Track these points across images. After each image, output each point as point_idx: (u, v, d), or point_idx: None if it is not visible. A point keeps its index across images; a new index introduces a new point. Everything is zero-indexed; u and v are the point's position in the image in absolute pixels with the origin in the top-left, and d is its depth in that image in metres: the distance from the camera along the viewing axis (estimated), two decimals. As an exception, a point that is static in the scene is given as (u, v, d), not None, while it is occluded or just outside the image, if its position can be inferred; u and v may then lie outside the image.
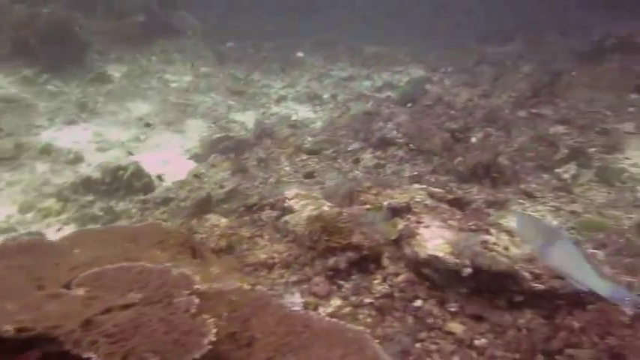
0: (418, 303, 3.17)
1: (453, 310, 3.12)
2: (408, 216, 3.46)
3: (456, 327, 2.94)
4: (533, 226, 2.43)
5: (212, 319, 2.16)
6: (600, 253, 4.05)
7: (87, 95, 9.84)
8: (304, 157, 7.44)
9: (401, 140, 7.33)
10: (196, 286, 2.51)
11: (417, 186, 4.61)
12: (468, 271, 3.01)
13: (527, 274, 3.19)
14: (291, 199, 4.07)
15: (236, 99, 11.48)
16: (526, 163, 6.88)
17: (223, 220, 4.15)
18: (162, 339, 1.95)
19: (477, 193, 6.20)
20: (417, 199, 3.89)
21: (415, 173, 6.25)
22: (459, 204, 4.48)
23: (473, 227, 3.69)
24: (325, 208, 3.79)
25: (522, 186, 6.15)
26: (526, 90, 9.35)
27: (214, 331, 2.08)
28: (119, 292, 2.25)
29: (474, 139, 6.86)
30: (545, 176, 6.64)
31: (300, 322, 2.50)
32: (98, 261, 2.91)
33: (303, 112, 11.19)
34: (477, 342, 2.85)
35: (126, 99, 10.25)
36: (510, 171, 6.52)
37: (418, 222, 3.37)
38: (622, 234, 4.57)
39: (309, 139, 7.98)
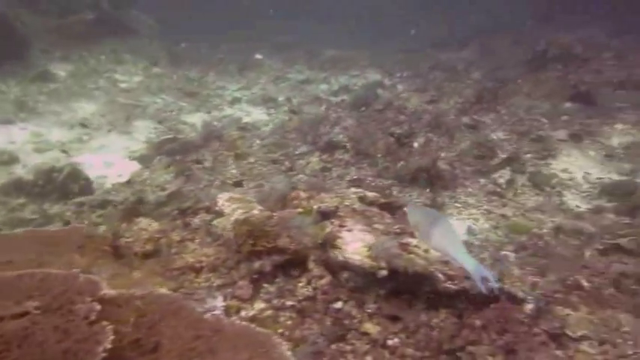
0: (339, 305, 3.25)
1: (370, 311, 3.21)
2: (332, 220, 3.54)
3: (372, 328, 3.03)
4: (420, 214, 2.60)
5: (112, 326, 2.14)
6: (512, 255, 4.28)
7: (27, 94, 9.43)
8: (252, 160, 7.45)
9: (347, 144, 7.46)
10: (104, 292, 2.48)
11: (352, 190, 4.71)
12: (383, 273, 3.11)
13: (441, 276, 3.34)
14: (224, 202, 4.07)
15: (188, 100, 11.31)
16: (465, 168, 7.15)
17: (154, 224, 4.09)
18: (52, 348, 1.91)
19: (416, 197, 6.41)
20: (347, 203, 3.98)
21: (355, 177, 6.36)
22: (389, 208, 4.61)
23: (397, 230, 3.81)
24: (255, 211, 3.81)
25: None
26: (471, 96, 9.72)
27: (111, 338, 2.06)
28: (15, 300, 2.19)
29: (416, 144, 7.05)
30: (482, 181, 6.91)
31: (210, 326, 2.52)
32: (6, 267, 2.82)
33: (256, 114, 11.14)
34: (389, 342, 2.95)
35: (71, 99, 9.88)
36: (450, 175, 6.76)
37: (341, 225, 3.45)
38: (542, 237, 4.84)
39: (258, 141, 8.00)
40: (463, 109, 9.54)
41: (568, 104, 8.94)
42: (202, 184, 6.81)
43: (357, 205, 3.95)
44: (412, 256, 3.38)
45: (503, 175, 6.93)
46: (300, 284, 3.42)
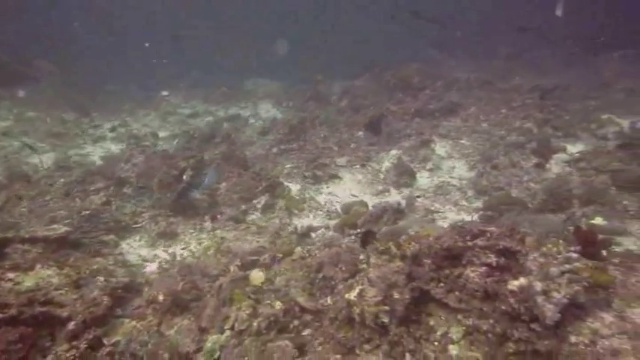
0: None
1: None
2: None
3: None
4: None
5: None
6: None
7: None
8: (47, 197, 7.94)
9: (133, 179, 8.03)
10: None
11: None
12: None
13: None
14: None
15: (50, 141, 11.80)
16: (233, 196, 7.74)
17: None
18: None
19: (166, 225, 6.94)
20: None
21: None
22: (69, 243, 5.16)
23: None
24: None
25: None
26: (288, 128, 10.40)
27: None
28: None
29: (184, 177, 7.62)
30: (244, 206, 7.50)
31: None
32: None
33: (113, 150, 11.68)
34: None
35: None
36: (207, 204, 7.36)
37: None
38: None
39: (62, 180, 8.50)
40: (280, 140, 10.23)
41: (360, 132, 9.67)
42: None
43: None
44: None
45: (260, 201, 7.54)
46: None
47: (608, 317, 2.71)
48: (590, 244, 3.25)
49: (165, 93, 18.95)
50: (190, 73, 21.84)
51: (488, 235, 3.74)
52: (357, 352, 3.78)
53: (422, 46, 21.23)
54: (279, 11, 33.84)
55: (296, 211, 7.28)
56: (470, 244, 3.74)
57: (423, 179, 7.93)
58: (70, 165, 9.43)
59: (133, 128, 13.84)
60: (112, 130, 12.31)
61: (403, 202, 6.80)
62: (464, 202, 6.96)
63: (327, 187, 8.11)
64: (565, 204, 5.66)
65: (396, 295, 3.72)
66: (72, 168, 9.31)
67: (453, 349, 3.45)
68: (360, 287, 3.93)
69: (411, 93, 12.40)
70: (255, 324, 3.81)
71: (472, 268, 3.64)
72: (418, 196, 6.95)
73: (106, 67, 21.94)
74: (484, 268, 3.57)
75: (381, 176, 8.23)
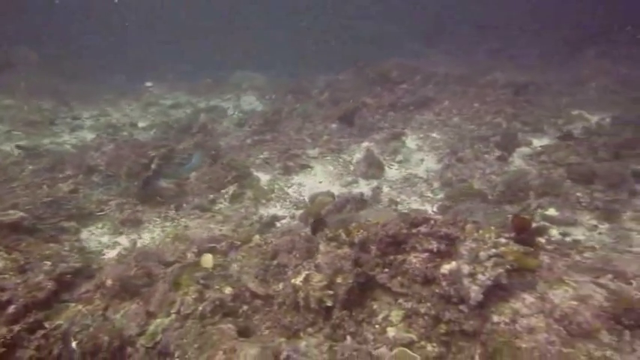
0: None
1: None
2: None
3: None
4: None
5: None
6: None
7: None
8: (15, 184, 7.85)
9: (102, 167, 7.97)
10: None
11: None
12: None
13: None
14: None
15: (25, 129, 11.63)
16: (201, 185, 7.73)
17: None
18: None
19: (131, 213, 6.91)
20: None
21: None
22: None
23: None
24: None
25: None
26: (261, 120, 10.39)
27: None
28: None
29: (153, 166, 7.58)
30: (212, 196, 7.50)
31: None
32: None
33: (89, 139, 11.55)
34: None
35: None
36: (172, 192, 7.35)
37: None
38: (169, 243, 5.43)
39: (30, 167, 8.40)
40: (255, 131, 10.21)
41: (334, 125, 9.68)
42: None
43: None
44: None
45: (228, 191, 7.53)
46: None
47: (529, 298, 2.77)
48: (524, 232, 3.31)
49: (149, 84, 18.72)
50: (181, 67, 21.57)
51: (432, 222, 3.80)
52: (302, 335, 3.82)
53: (422, 45, 21.23)
54: (279, 12, 33.63)
55: (264, 201, 7.29)
56: (414, 231, 3.79)
57: (392, 171, 7.98)
58: (41, 152, 9.29)
59: (113, 118, 13.69)
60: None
61: (368, 193, 6.85)
62: (429, 194, 7.02)
63: (297, 178, 8.12)
64: (522, 195, 5.74)
65: (340, 280, 3.76)
66: (42, 155, 9.18)
67: (391, 331, 3.50)
68: (307, 272, 3.96)
69: (388, 87, 12.39)
70: (200, 308, 3.82)
71: (415, 254, 3.70)
72: (378, 188, 7.01)
73: (95, 58, 21.60)
74: (426, 254, 3.63)
75: (351, 167, 8.27)
